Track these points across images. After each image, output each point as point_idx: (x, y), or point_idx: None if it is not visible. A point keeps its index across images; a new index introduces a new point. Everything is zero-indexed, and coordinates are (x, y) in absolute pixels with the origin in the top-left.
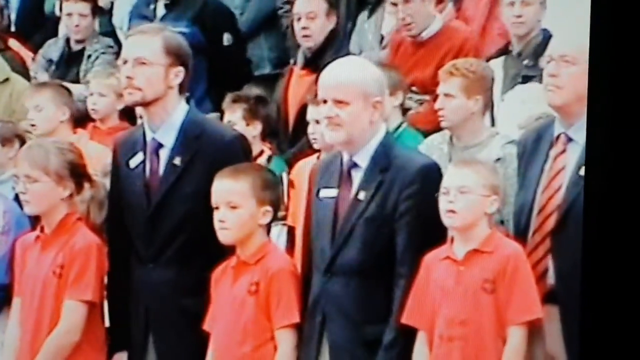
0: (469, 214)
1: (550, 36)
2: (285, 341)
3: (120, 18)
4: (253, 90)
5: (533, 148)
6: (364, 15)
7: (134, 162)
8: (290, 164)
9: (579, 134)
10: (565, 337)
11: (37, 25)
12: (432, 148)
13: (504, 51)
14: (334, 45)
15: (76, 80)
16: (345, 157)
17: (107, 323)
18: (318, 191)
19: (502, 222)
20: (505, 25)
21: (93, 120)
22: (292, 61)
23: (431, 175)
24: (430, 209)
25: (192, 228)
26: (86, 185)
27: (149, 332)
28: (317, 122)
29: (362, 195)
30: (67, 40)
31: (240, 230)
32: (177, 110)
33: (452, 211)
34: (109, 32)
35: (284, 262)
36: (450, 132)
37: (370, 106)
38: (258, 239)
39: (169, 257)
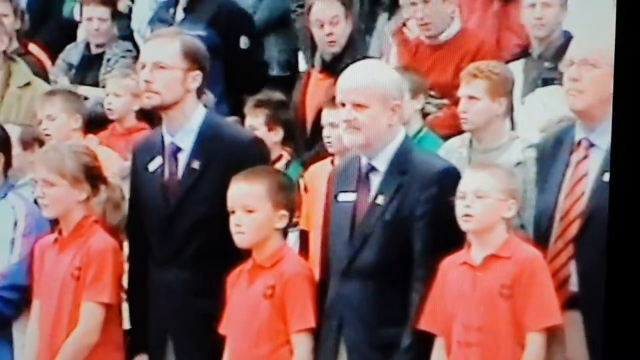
0: (485, 218)
1: (570, 38)
2: (301, 345)
3: (138, 22)
4: (276, 95)
5: (553, 153)
6: (383, 17)
7: (152, 166)
8: (307, 168)
9: (601, 139)
10: (588, 344)
11: (45, 28)
12: (451, 152)
13: (524, 53)
14: (352, 48)
15: (96, 84)
16: (364, 161)
17: (125, 325)
18: (336, 195)
19: (522, 227)
20: (521, 33)
21: (112, 121)
22: (305, 64)
23: (450, 179)
24: (449, 213)
25: (209, 230)
26: (102, 187)
27: (167, 334)
28: (332, 125)
29: (380, 199)
30: (87, 45)
31: (256, 234)
32: (195, 113)
33: (469, 215)
34: (128, 35)
35: (300, 266)
36: (470, 136)
37: (389, 109)
38: (274, 243)
39: (185, 259)
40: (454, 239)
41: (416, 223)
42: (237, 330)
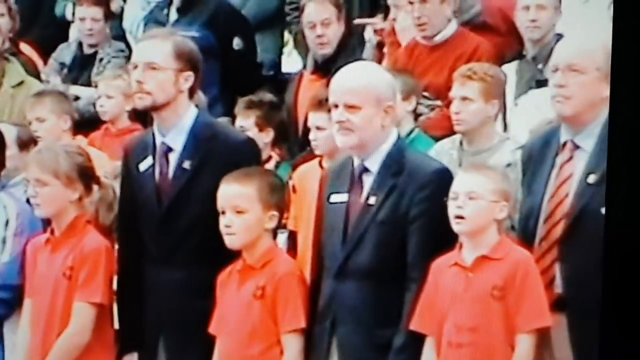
0: (477, 219)
1: None
2: (292, 346)
3: (130, 22)
4: (267, 96)
5: (540, 154)
6: (379, 18)
7: (143, 166)
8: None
9: (586, 141)
10: (573, 345)
11: (37, 27)
12: (442, 153)
13: (518, 55)
14: (345, 49)
15: (88, 84)
16: (356, 162)
17: (116, 325)
18: (329, 196)
19: (512, 228)
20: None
21: (104, 122)
22: (289, 64)
23: (444, 180)
24: (443, 213)
25: (203, 230)
26: (95, 187)
27: (160, 334)
28: (318, 128)
29: (372, 200)
30: (80, 44)
31: (246, 235)
32: (187, 114)
33: (461, 217)
34: (120, 35)
35: (291, 266)
36: (461, 137)
37: (381, 111)
38: (264, 244)
39: (180, 258)
40: (449, 240)
41: (410, 224)
42: (228, 331)
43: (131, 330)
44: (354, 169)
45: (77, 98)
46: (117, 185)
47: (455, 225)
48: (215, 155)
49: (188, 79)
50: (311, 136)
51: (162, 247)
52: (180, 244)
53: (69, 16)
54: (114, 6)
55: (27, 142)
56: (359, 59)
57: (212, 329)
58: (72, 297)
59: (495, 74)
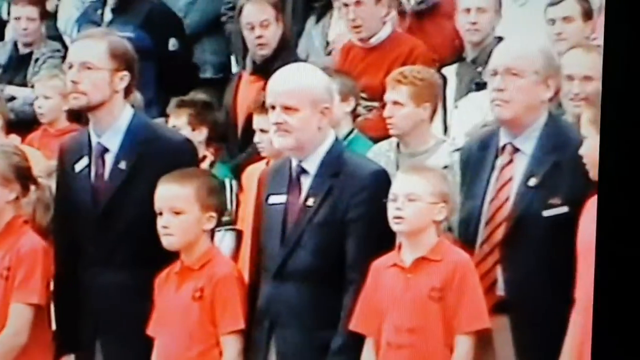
0: (416, 220)
1: None
2: (231, 347)
3: (64, 22)
4: (199, 96)
5: (479, 157)
6: (312, 20)
7: (79, 166)
8: (239, 170)
9: (526, 144)
10: (516, 347)
11: None
12: (379, 155)
13: (458, 58)
14: (283, 51)
15: (24, 84)
16: (294, 163)
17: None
18: (267, 197)
19: (449, 229)
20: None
21: (41, 123)
22: (236, 66)
23: (381, 182)
24: (381, 215)
25: (142, 232)
26: (32, 187)
27: (97, 336)
28: (262, 131)
29: (310, 201)
30: (15, 44)
31: (184, 236)
32: (123, 114)
33: (400, 217)
34: (56, 35)
35: (229, 267)
36: (397, 140)
37: (318, 112)
38: (202, 245)
39: (118, 260)
40: (387, 241)
41: (349, 225)
42: (167, 333)
43: (68, 331)
44: (292, 171)
45: (12, 98)
46: (53, 185)
47: (395, 226)
48: (152, 155)
49: (123, 78)
50: (256, 139)
51: (100, 248)
52: (117, 246)
53: (4, 15)
54: (50, 5)
55: None
56: (298, 60)
57: (150, 331)
58: (9, 298)
59: (427, 77)
